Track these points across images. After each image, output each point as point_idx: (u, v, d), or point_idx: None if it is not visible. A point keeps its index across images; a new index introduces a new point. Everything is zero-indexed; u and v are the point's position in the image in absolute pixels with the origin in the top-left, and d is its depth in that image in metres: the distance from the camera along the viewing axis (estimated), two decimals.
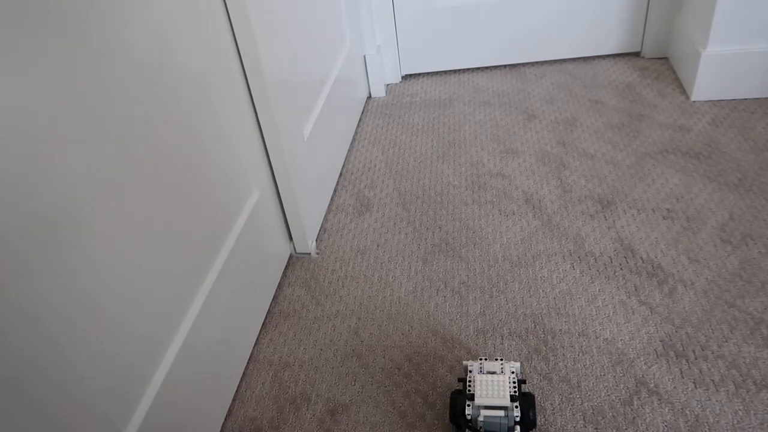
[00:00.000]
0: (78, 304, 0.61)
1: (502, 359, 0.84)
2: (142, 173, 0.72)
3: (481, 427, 0.78)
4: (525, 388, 0.91)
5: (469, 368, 0.83)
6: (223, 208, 0.94)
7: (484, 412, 0.77)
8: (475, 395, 0.78)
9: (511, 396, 0.78)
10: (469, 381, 0.82)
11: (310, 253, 1.22)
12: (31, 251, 0.55)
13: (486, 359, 0.85)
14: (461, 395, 0.83)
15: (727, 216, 1.17)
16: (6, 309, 0.52)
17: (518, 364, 0.83)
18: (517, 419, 0.77)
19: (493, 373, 0.82)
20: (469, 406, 0.78)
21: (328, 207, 1.35)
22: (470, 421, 0.78)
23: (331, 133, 1.39)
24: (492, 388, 0.79)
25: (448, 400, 0.90)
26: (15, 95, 0.53)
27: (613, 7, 1.67)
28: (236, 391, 0.97)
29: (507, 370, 0.82)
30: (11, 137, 0.52)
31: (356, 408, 0.93)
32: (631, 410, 0.87)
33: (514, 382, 0.80)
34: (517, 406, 0.78)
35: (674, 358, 0.93)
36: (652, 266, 1.09)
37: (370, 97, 1.78)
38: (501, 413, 0.77)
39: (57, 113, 0.58)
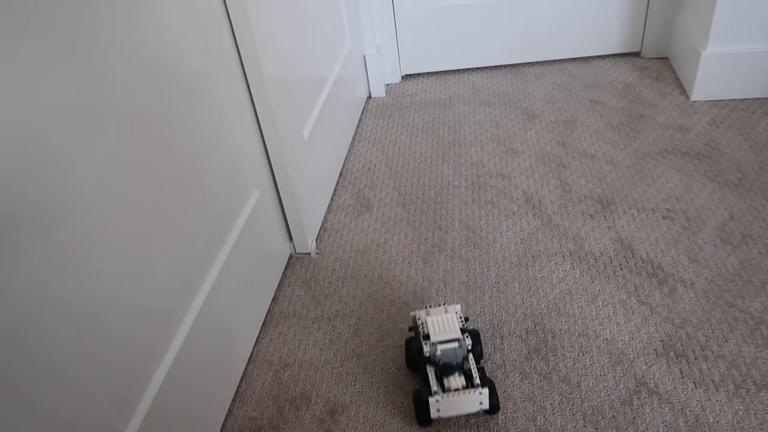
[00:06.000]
0: (78, 304, 0.61)
1: (444, 304, 0.96)
2: (143, 173, 0.72)
3: (439, 360, 0.86)
4: (471, 325, 1.03)
5: (417, 317, 0.93)
6: (223, 208, 0.94)
7: (440, 347, 0.87)
8: (430, 335, 0.88)
9: (461, 329, 0.89)
10: (421, 325, 0.91)
11: (310, 253, 1.22)
12: (31, 249, 0.55)
13: (431, 306, 0.95)
14: (415, 340, 0.93)
15: (727, 216, 1.17)
16: (5, 307, 0.52)
17: (459, 306, 0.93)
18: (469, 348, 0.87)
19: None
20: (426, 344, 0.87)
21: (328, 207, 1.35)
22: (429, 357, 0.87)
23: (331, 133, 1.39)
24: (443, 326, 0.89)
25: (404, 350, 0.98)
26: (18, 93, 0.53)
27: (613, 7, 1.67)
28: (236, 391, 0.97)
29: (451, 311, 0.92)
30: (12, 133, 0.52)
31: (356, 408, 0.93)
32: (631, 410, 0.87)
33: (460, 318, 0.92)
34: (467, 336, 0.88)
35: (674, 358, 0.93)
36: (652, 266, 1.09)
37: (370, 97, 1.78)
38: (455, 345, 0.87)
39: (60, 111, 0.58)
